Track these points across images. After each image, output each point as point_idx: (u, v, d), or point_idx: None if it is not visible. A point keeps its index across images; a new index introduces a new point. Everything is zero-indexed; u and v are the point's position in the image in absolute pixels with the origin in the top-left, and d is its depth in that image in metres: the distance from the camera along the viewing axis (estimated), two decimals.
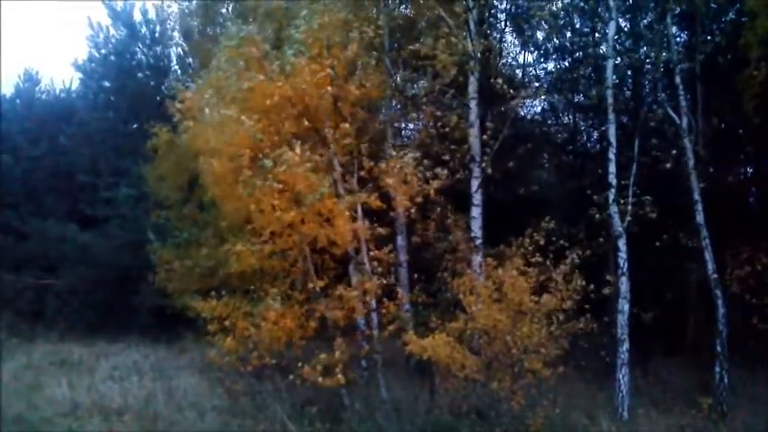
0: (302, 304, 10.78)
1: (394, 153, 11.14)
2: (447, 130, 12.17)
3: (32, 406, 11.06)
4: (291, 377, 10.18)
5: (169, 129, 14.54)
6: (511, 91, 12.23)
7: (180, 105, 11.89)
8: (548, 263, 10.39)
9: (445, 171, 11.32)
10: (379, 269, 11.21)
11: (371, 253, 11.25)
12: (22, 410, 10.79)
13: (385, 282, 11.25)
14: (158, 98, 13.73)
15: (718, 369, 11.25)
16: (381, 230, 11.25)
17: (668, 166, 12.49)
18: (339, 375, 9.93)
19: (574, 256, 10.46)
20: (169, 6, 20.64)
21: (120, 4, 21.14)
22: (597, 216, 11.82)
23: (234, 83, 10.37)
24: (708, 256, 11.58)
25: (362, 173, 11.36)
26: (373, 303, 11.31)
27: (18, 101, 24.00)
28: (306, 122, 10.63)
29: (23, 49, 44.62)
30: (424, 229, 12.36)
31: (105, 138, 20.25)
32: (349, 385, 10.41)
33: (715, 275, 11.58)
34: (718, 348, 11.28)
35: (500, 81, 12.00)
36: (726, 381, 11.19)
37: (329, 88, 10.56)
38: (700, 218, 11.64)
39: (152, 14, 21.53)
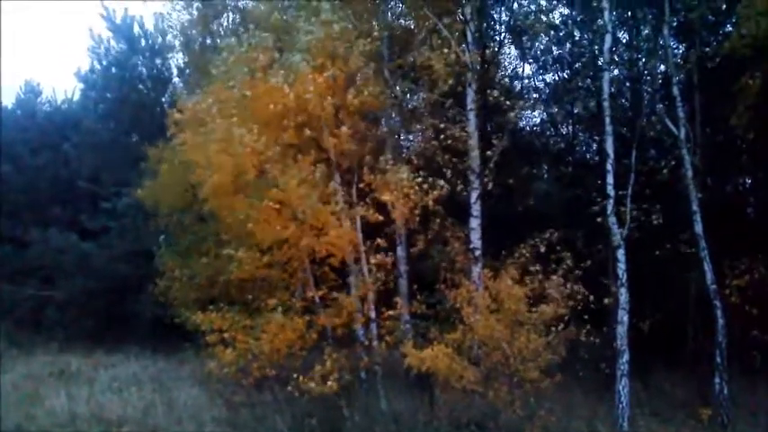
0: (302, 314, 10.81)
1: (389, 166, 11.15)
2: (449, 142, 12.21)
3: (31, 417, 11.05)
4: (290, 388, 10.18)
5: (167, 141, 14.58)
6: (508, 102, 12.25)
7: (179, 116, 11.88)
8: (544, 273, 10.39)
9: (442, 182, 11.31)
10: (378, 275, 11.22)
11: (371, 259, 11.25)
12: (21, 421, 10.77)
13: (383, 286, 11.25)
14: (159, 109, 13.79)
15: (717, 380, 11.22)
16: (381, 242, 11.26)
17: (666, 175, 12.54)
18: (330, 383, 9.97)
19: (567, 261, 10.46)
20: (169, 16, 20.68)
21: (119, 16, 21.26)
22: (598, 220, 11.82)
23: (239, 89, 10.41)
24: (707, 266, 11.57)
25: (362, 185, 11.39)
26: (372, 313, 11.32)
27: (19, 111, 24.13)
28: (307, 132, 10.67)
29: (25, 60, 44.90)
30: (424, 242, 12.37)
31: (106, 148, 20.30)
32: (347, 396, 10.40)
33: (714, 286, 11.57)
34: (718, 359, 11.27)
35: (496, 93, 12.05)
36: (726, 391, 11.16)
37: (330, 98, 10.64)
38: (698, 228, 11.65)
39: (151, 27, 21.67)
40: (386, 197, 10.78)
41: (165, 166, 14.54)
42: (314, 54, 10.54)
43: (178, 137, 12.05)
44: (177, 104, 12.15)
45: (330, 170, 11.26)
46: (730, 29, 14.19)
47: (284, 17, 12.42)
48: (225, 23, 18.47)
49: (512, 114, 12.27)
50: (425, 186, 11.14)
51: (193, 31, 18.91)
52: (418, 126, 14.30)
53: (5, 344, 17.30)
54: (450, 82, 12.11)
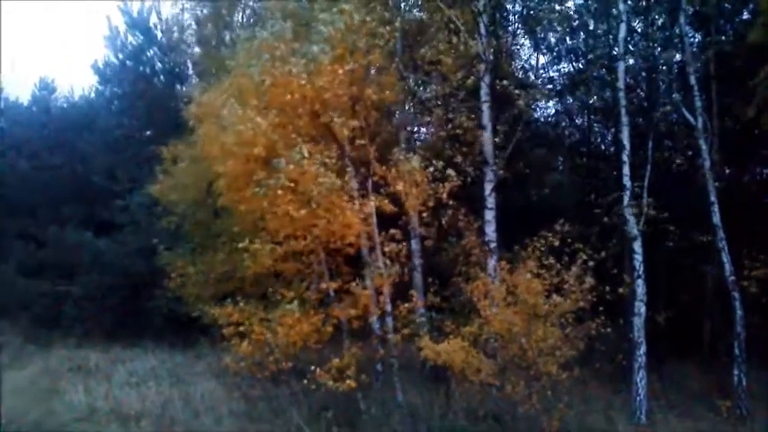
0: (317, 307, 10.82)
1: (402, 157, 11.15)
2: (458, 132, 12.16)
3: (51, 412, 11.16)
4: (306, 381, 10.20)
5: (180, 138, 14.65)
6: (516, 92, 12.15)
7: (196, 110, 11.90)
8: (560, 265, 10.31)
9: (453, 173, 11.28)
10: (393, 268, 11.19)
11: (385, 249, 11.22)
12: (40, 416, 10.89)
13: (398, 279, 11.22)
14: (173, 105, 13.82)
15: (736, 372, 11.15)
16: (394, 232, 11.22)
17: (683, 166, 12.44)
18: (349, 381, 9.94)
19: (584, 256, 10.39)
20: (184, 12, 20.77)
21: (136, 8, 21.33)
22: (606, 220, 11.74)
23: (258, 76, 10.41)
24: (725, 257, 11.48)
25: (375, 178, 11.37)
26: (388, 307, 11.31)
27: (34, 108, 24.29)
28: (322, 122, 10.67)
29: (40, 55, 45.19)
30: (437, 234, 12.34)
31: (122, 144, 20.40)
32: (363, 389, 10.41)
33: (732, 277, 11.48)
34: (737, 351, 11.18)
35: (506, 82, 11.98)
36: (744, 383, 11.09)
37: (351, 89, 10.63)
38: (716, 219, 11.55)
39: (168, 21, 21.73)
40: (398, 186, 10.75)
41: (183, 164, 14.61)
42: (333, 45, 10.52)
43: (196, 131, 12.10)
44: (193, 98, 12.12)
45: (344, 161, 11.26)
46: (747, 16, 14.06)
47: (301, 7, 12.41)
48: (238, 18, 18.51)
49: (520, 103, 12.16)
50: (437, 175, 11.08)
51: (209, 26, 18.98)
52: (428, 118, 14.30)
53: (24, 339, 17.47)
54: (459, 75, 12.09)
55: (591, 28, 16.07)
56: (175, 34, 21.69)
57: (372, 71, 11.74)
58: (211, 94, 11.45)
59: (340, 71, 10.26)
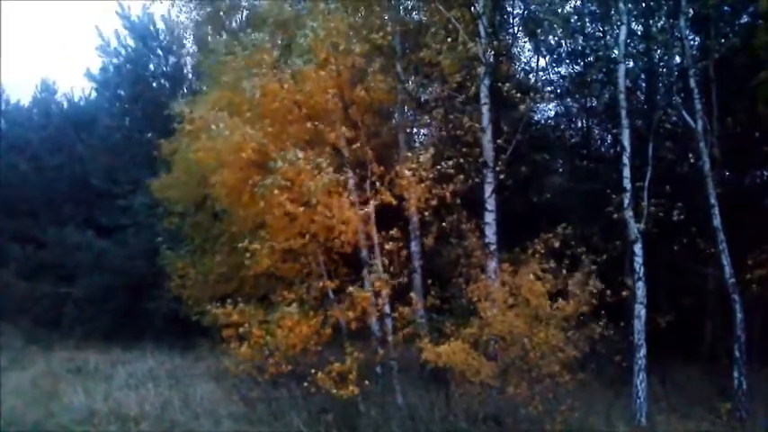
0: (316, 309, 10.80)
1: (410, 154, 11.15)
2: (459, 132, 12.16)
3: (50, 414, 11.14)
4: (306, 384, 10.19)
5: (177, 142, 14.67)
6: (519, 95, 12.15)
7: (189, 127, 11.88)
8: (563, 268, 10.31)
9: (460, 175, 11.29)
10: (392, 268, 11.16)
11: (384, 247, 11.21)
12: (40, 418, 10.88)
13: (398, 281, 11.20)
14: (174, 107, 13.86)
15: (736, 374, 11.11)
16: (394, 233, 11.20)
17: (683, 168, 12.43)
18: (352, 387, 9.92)
19: (590, 262, 10.37)
20: (179, 16, 20.76)
21: (135, 12, 21.41)
22: (615, 216, 11.71)
23: (248, 92, 10.43)
24: (725, 260, 11.44)
25: (374, 178, 11.36)
26: (387, 308, 11.29)
27: (35, 110, 24.36)
28: (313, 127, 10.69)
29: (41, 58, 45.23)
30: (438, 235, 12.32)
31: (122, 146, 20.43)
32: (362, 391, 10.38)
33: (733, 280, 11.45)
34: (737, 353, 11.16)
35: (508, 85, 11.97)
36: (744, 386, 11.05)
37: (334, 90, 10.64)
38: (716, 222, 11.51)
39: (165, 24, 21.74)
40: (402, 181, 10.75)
41: (178, 157, 14.59)
42: (316, 52, 10.55)
43: (188, 140, 12.14)
44: (183, 115, 12.11)
45: (342, 161, 11.27)
46: (747, 19, 14.05)
47: (290, 12, 12.47)
48: (238, 20, 18.51)
49: (522, 107, 12.17)
50: (444, 173, 11.09)
51: (209, 28, 18.97)
52: (428, 119, 14.28)
53: (24, 341, 17.50)
54: (459, 78, 12.09)
55: (591, 30, 16.07)
56: (172, 36, 21.69)
57: (368, 74, 11.71)
58: (201, 109, 11.51)
59: (322, 73, 10.30)
